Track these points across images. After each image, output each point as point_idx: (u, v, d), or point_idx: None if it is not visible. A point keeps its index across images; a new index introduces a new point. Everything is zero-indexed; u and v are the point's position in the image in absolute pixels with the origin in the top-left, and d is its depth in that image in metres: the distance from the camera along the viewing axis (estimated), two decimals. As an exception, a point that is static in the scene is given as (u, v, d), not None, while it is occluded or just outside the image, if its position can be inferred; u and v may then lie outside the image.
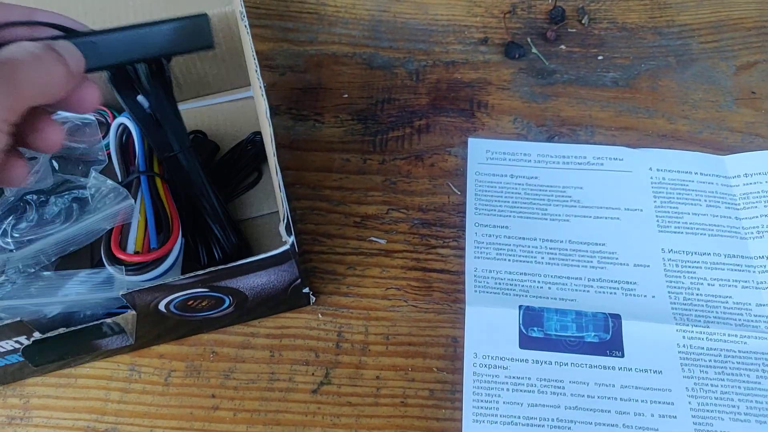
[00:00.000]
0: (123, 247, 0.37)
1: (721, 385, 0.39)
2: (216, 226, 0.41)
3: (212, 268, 0.35)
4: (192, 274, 0.35)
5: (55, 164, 0.44)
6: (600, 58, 0.55)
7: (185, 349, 0.42)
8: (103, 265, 0.40)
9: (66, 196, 0.42)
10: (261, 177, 0.47)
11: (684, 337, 0.41)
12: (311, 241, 0.46)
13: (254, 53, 0.32)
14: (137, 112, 0.39)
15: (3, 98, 0.23)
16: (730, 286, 0.43)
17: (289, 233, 0.36)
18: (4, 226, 0.40)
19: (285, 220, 0.35)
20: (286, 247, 0.36)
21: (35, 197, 0.42)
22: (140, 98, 0.39)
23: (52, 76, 0.25)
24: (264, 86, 0.31)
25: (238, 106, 0.50)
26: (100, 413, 0.40)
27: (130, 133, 0.44)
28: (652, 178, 0.48)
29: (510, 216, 0.46)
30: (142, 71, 0.39)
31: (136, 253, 0.37)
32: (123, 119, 0.43)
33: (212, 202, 0.41)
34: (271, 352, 0.42)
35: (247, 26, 0.34)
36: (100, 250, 0.39)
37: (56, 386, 0.41)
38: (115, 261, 0.37)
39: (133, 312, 0.37)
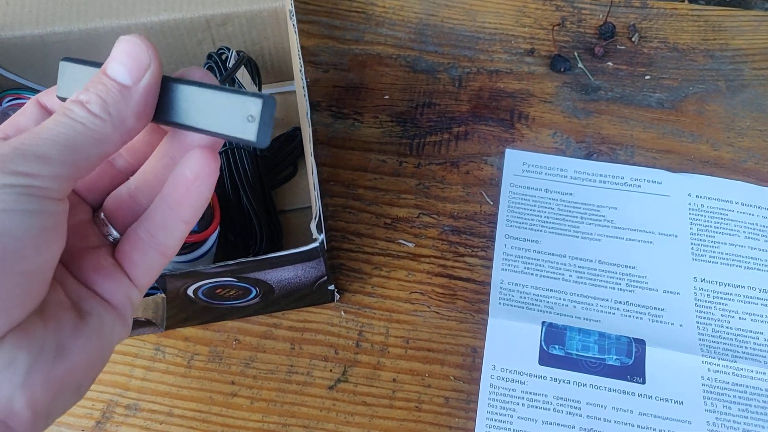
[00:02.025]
0: None
1: (744, 423, 0.38)
2: (259, 221, 0.42)
3: (242, 260, 0.36)
4: (222, 264, 0.36)
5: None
6: (647, 77, 0.54)
7: (209, 334, 0.43)
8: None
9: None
10: (296, 172, 0.48)
11: (709, 369, 0.40)
12: (340, 239, 0.46)
13: (300, 52, 0.33)
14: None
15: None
16: (762, 321, 0.42)
17: (320, 231, 0.36)
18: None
19: (317, 218, 0.35)
20: (316, 244, 0.36)
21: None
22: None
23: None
24: (306, 85, 0.31)
25: (281, 99, 0.51)
26: (123, 388, 0.41)
27: None
28: (690, 204, 0.47)
29: (541, 231, 0.46)
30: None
31: None
32: None
33: (258, 196, 0.42)
34: (292, 344, 0.42)
35: (295, 25, 0.34)
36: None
37: (85, 358, 0.42)
38: None
39: (163, 295, 0.39)
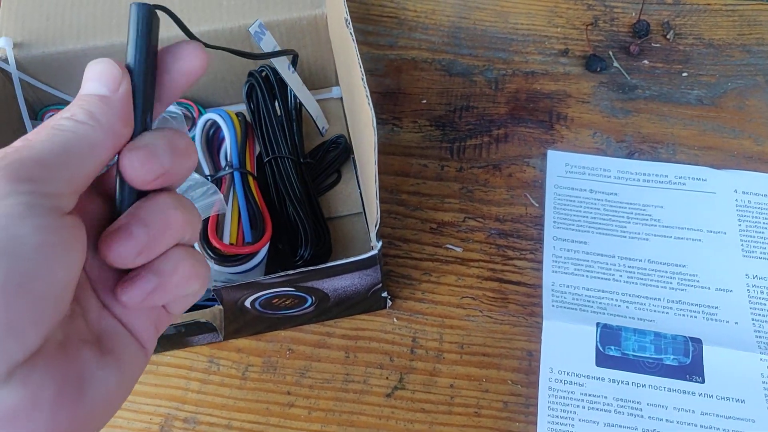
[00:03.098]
0: (219, 236, 0.38)
1: (810, 420, 0.38)
2: (305, 228, 0.41)
3: (303, 269, 0.36)
4: (283, 274, 0.36)
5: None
6: (684, 74, 0.54)
7: (262, 344, 0.43)
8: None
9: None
10: (340, 179, 0.48)
11: (769, 367, 0.40)
12: (387, 245, 0.46)
13: (360, 60, 0.33)
14: (265, 115, 0.45)
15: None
16: (818, 317, 0.42)
17: (378, 238, 0.36)
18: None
19: (377, 227, 0.35)
20: (375, 251, 0.36)
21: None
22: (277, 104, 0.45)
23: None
24: (370, 95, 0.31)
25: (321, 107, 0.50)
26: (180, 401, 0.41)
27: (216, 128, 0.46)
28: (737, 200, 0.47)
29: (589, 231, 0.46)
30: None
31: (231, 244, 0.38)
32: (212, 115, 0.45)
33: (304, 203, 0.42)
34: (347, 353, 0.42)
35: (352, 33, 0.34)
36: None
37: (139, 372, 0.42)
38: (210, 249, 0.38)
39: (220, 307, 0.39)
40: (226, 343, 0.43)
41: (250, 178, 0.43)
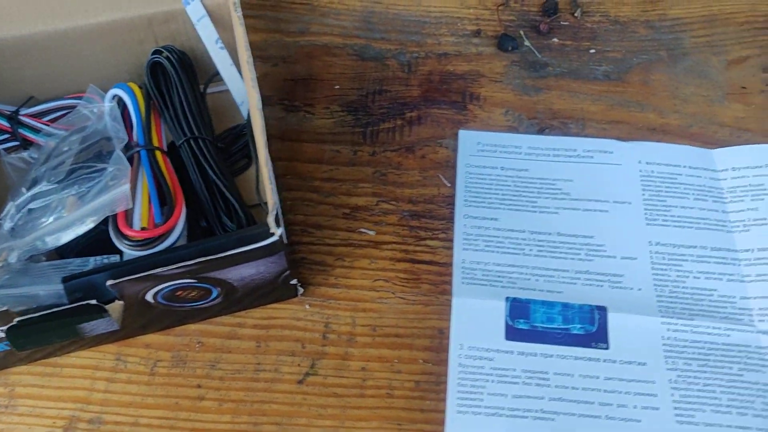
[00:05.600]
0: (129, 223, 0.38)
1: (704, 378, 0.39)
2: (236, 201, 0.41)
3: (200, 259, 0.35)
4: (180, 265, 0.35)
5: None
6: (592, 51, 0.55)
7: (171, 339, 0.42)
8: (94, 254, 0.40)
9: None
10: (251, 164, 0.47)
11: (669, 329, 0.41)
12: (300, 232, 0.46)
13: (248, 44, 0.32)
14: (178, 94, 0.44)
15: None
16: (715, 279, 0.43)
17: (277, 225, 0.35)
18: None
19: (274, 212, 0.35)
20: (275, 238, 0.36)
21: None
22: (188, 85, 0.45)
23: None
24: (256, 78, 0.31)
25: (229, 95, 0.50)
26: (85, 402, 0.40)
27: (124, 104, 0.44)
28: (641, 171, 0.48)
29: (499, 208, 0.46)
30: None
31: (143, 229, 0.37)
32: (117, 90, 0.44)
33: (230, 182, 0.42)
34: (258, 342, 0.42)
35: (241, 17, 0.33)
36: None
37: (41, 375, 0.41)
38: (122, 237, 0.37)
39: (121, 302, 0.37)
40: (134, 340, 0.42)
41: (158, 154, 0.42)
